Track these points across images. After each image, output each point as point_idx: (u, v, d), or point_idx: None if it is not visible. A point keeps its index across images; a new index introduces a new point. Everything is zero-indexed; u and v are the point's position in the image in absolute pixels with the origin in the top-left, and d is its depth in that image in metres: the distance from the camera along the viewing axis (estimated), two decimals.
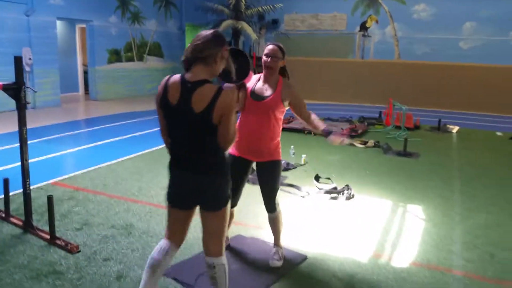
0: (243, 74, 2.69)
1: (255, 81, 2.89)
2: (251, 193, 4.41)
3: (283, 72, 2.92)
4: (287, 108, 2.90)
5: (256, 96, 2.81)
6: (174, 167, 2.18)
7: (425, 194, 4.71)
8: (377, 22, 13.21)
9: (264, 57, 2.83)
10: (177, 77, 2.08)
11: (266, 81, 2.86)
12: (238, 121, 2.92)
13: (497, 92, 11.54)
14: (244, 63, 2.67)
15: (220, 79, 2.74)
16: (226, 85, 2.09)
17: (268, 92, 2.81)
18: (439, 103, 12.10)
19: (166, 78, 2.11)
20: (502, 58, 11.75)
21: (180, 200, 2.22)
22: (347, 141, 2.96)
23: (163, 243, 2.29)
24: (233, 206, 3.09)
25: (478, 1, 11.89)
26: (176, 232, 2.29)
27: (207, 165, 2.11)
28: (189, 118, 2.01)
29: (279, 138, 2.93)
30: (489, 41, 11.95)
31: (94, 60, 11.65)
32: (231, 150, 2.96)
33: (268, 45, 2.87)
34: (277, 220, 3.06)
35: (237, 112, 2.88)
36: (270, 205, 3.00)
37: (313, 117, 2.95)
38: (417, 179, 5.28)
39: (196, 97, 1.99)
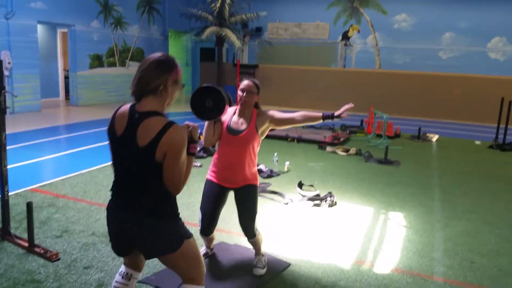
0: (218, 110, 2.70)
1: (230, 115, 2.91)
2: (233, 201, 4.39)
3: (257, 105, 2.95)
4: (262, 138, 2.94)
5: (232, 130, 2.85)
6: (112, 209, 1.94)
7: (406, 201, 4.78)
8: (358, 31, 13.42)
9: (239, 92, 2.87)
10: (127, 106, 1.89)
11: (241, 115, 2.89)
12: (218, 150, 2.94)
13: (475, 102, 11.82)
14: (219, 99, 2.68)
15: (199, 117, 2.75)
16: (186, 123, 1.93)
17: (243, 126, 2.85)
18: (419, 112, 12.33)
19: (118, 107, 1.93)
20: (480, 68, 12.07)
21: (124, 248, 2.00)
22: (348, 106, 2.90)
23: (123, 268, 2.14)
24: (208, 234, 3.04)
25: (456, 13, 12.21)
26: (133, 261, 2.13)
27: (151, 208, 1.86)
28: (133, 151, 1.81)
29: (255, 168, 2.97)
30: (467, 51, 12.27)
31: (76, 65, 11.51)
32: (208, 176, 2.99)
33: (244, 80, 2.92)
34: (258, 243, 3.04)
35: (213, 146, 2.91)
36: (249, 232, 2.95)
37: (303, 113, 2.93)
38: (398, 186, 5.36)
39: (142, 129, 1.79)
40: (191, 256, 1.96)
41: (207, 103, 2.68)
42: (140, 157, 1.80)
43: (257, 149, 2.93)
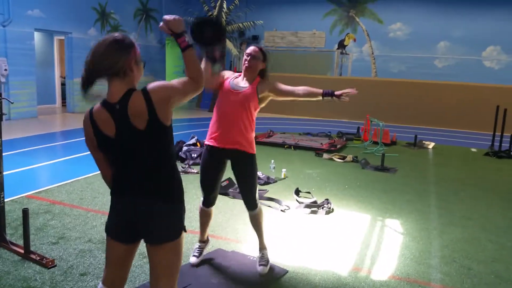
0: (218, 39, 2.71)
1: (235, 76, 3.01)
2: (230, 208, 4.39)
3: (263, 74, 3.02)
4: (262, 105, 3.00)
5: (233, 86, 2.94)
6: (118, 193, 1.88)
7: (403, 208, 4.79)
8: (354, 40, 13.51)
9: (245, 56, 2.96)
10: (98, 108, 1.81)
11: (244, 78, 2.99)
12: (215, 113, 2.99)
13: (470, 110, 11.89)
14: (218, 29, 2.69)
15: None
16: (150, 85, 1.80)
17: (245, 84, 2.94)
18: (415, 119, 12.38)
19: (87, 115, 1.83)
20: (475, 76, 12.17)
21: (121, 230, 1.89)
22: (351, 90, 2.93)
23: None
24: (210, 205, 3.12)
25: (451, 22, 12.32)
26: (114, 274, 1.94)
27: (160, 188, 1.84)
28: (139, 140, 1.76)
29: (254, 134, 3.01)
30: (462, 60, 12.37)
31: (72, 72, 11.50)
32: (208, 141, 3.01)
33: (250, 46, 3.01)
34: (259, 217, 3.09)
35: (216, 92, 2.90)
36: (251, 201, 3.03)
37: (304, 88, 2.99)
38: (395, 193, 5.37)
39: (132, 114, 1.73)
40: (181, 252, 1.90)
41: (206, 33, 2.71)
42: (147, 139, 1.76)
43: (254, 114, 2.98)
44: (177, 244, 1.86)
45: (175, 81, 1.80)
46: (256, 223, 3.10)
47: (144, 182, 1.83)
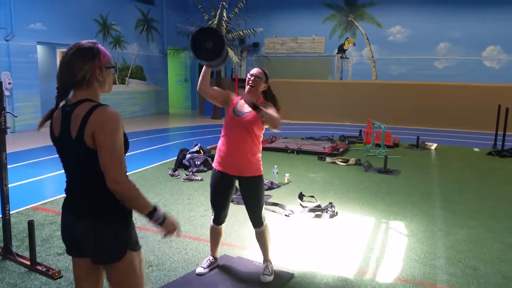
0: (216, 53, 2.77)
1: (237, 100, 3.02)
2: (235, 214, 4.41)
3: (266, 95, 3.05)
4: (266, 126, 2.97)
5: (237, 112, 2.96)
6: (63, 207, 1.80)
7: (407, 210, 4.78)
8: (354, 44, 13.57)
9: (248, 76, 3.01)
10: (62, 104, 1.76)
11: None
12: (222, 138, 3.01)
13: (471, 110, 11.89)
14: (219, 42, 2.76)
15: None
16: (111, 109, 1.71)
17: (248, 109, 2.91)
18: (416, 121, 12.39)
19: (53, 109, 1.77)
20: (476, 76, 12.19)
21: (72, 246, 1.79)
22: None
23: None
24: (220, 223, 3.16)
25: (451, 23, 12.36)
26: None
27: (91, 208, 1.70)
28: (69, 146, 1.67)
29: (260, 154, 3.03)
30: (462, 60, 12.40)
31: None
32: (215, 165, 3.02)
33: (254, 67, 3.06)
34: (264, 235, 3.10)
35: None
36: (257, 220, 3.05)
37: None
38: (399, 195, 5.37)
39: (73, 120, 1.65)
40: (134, 271, 1.76)
41: (207, 45, 2.75)
42: (75, 150, 1.66)
43: (260, 135, 2.99)
44: (125, 264, 1.73)
45: (120, 139, 1.65)
46: (262, 239, 3.11)
47: (77, 197, 1.74)
